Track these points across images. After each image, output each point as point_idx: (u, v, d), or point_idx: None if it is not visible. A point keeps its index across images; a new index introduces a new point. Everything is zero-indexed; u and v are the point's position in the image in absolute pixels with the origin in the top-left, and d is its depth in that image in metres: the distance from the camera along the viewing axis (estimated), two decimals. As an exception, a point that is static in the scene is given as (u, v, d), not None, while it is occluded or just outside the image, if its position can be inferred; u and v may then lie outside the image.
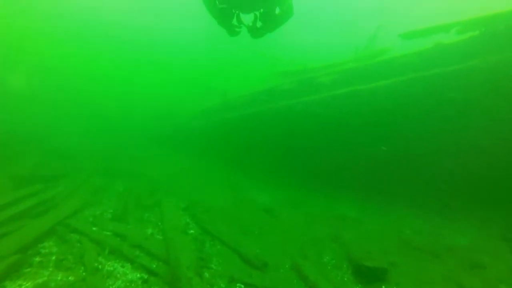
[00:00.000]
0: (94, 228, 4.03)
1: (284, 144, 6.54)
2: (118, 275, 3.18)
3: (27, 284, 2.86)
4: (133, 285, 3.06)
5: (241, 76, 17.66)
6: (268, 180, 6.78)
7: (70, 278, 3.02)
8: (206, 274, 3.33)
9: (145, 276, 3.20)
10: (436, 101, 5.18)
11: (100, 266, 3.26)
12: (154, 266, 3.35)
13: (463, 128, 4.90)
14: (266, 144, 6.84)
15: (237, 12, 4.73)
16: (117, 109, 15.06)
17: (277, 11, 4.64)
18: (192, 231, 4.39)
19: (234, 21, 4.72)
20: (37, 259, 3.29)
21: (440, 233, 4.20)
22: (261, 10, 4.62)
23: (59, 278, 3.00)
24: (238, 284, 3.23)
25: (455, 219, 4.38)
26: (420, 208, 4.88)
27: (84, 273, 3.12)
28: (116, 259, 3.46)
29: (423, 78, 4.96)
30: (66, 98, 15.15)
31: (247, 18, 4.84)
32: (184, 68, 24.54)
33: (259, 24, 4.75)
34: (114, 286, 2.99)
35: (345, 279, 3.47)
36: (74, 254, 3.43)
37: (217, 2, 4.63)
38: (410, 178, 5.20)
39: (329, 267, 3.69)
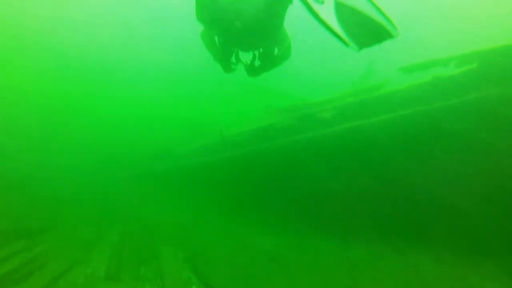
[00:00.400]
0: (84, 292, 3.59)
1: (285, 183, 6.27)
2: None
3: None
4: None
5: (235, 109, 17.61)
6: (270, 223, 6.40)
7: None
8: None
9: None
10: (442, 133, 5.09)
11: None
12: None
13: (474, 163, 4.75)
14: (266, 184, 6.55)
15: (236, 50, 4.66)
16: (107, 145, 14.62)
17: (276, 51, 4.61)
18: (194, 288, 3.96)
19: (232, 59, 4.65)
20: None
21: (467, 279, 3.86)
22: (260, 49, 4.57)
23: None
24: None
25: (480, 262, 4.07)
26: (438, 249, 4.56)
27: None
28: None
29: (428, 111, 4.89)
30: (49, 134, 14.65)
31: (244, 55, 4.80)
32: (179, 101, 24.30)
33: (257, 63, 4.69)
34: None
35: None
36: (60, 328, 2.97)
37: (216, 40, 4.58)
38: (422, 217, 4.94)
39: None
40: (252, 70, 4.75)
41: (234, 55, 4.72)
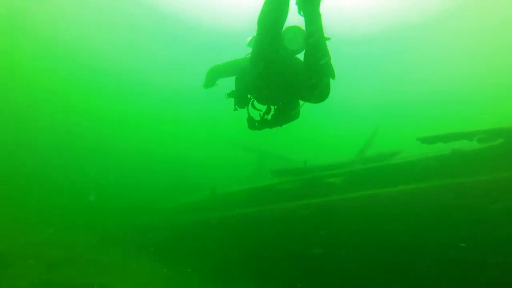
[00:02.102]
0: None
1: (287, 253, 5.40)
2: None
3: None
4: None
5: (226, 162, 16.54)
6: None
7: None
8: None
9: None
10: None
11: None
12: None
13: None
14: (265, 252, 5.64)
15: (252, 99, 4.25)
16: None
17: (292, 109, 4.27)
18: None
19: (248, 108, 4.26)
20: None
21: None
22: (276, 106, 4.20)
23: None
24: None
25: None
26: None
27: None
28: None
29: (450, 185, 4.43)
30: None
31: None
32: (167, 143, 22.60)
33: (269, 116, 4.28)
34: None
35: None
36: None
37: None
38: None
39: None
40: (258, 123, 4.31)
41: (250, 104, 4.30)
